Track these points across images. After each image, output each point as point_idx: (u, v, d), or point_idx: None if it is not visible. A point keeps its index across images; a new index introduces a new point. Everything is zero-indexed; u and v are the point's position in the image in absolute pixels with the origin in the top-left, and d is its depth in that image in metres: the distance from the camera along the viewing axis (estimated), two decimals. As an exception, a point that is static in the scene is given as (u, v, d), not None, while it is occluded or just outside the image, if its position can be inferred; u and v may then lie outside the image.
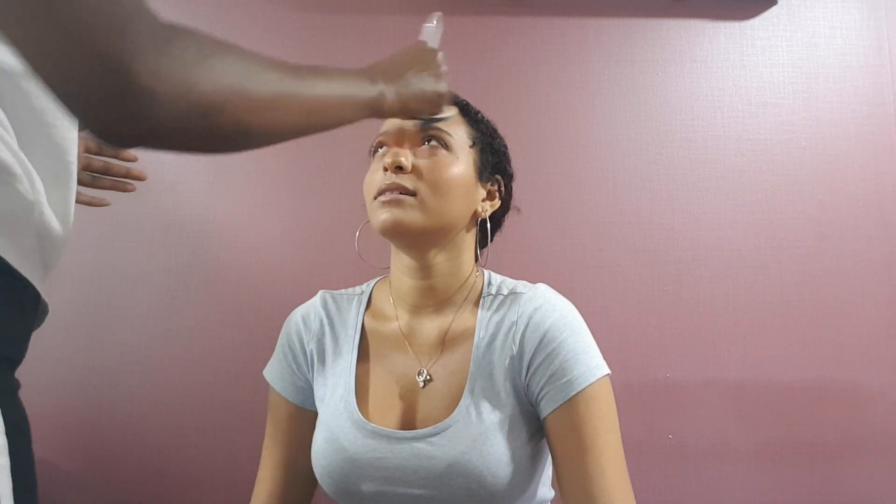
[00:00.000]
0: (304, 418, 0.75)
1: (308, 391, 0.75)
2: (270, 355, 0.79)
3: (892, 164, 1.26)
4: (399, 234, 0.67)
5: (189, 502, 1.16)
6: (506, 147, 0.79)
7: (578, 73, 1.27)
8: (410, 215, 0.66)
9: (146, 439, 1.17)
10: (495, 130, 0.78)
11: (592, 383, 0.64)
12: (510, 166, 0.79)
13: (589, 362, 0.65)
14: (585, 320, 0.71)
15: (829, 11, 1.30)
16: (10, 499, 0.44)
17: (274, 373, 0.77)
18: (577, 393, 0.63)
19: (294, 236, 1.22)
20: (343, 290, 0.80)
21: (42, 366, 1.14)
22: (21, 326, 0.52)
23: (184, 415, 1.17)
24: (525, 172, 0.82)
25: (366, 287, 0.80)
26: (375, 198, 0.68)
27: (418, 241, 0.69)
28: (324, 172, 1.24)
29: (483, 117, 0.77)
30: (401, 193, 0.66)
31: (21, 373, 0.51)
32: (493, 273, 0.77)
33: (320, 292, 0.80)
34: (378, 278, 0.82)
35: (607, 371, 0.66)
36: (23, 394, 0.50)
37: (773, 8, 1.29)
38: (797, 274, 1.22)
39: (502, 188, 0.78)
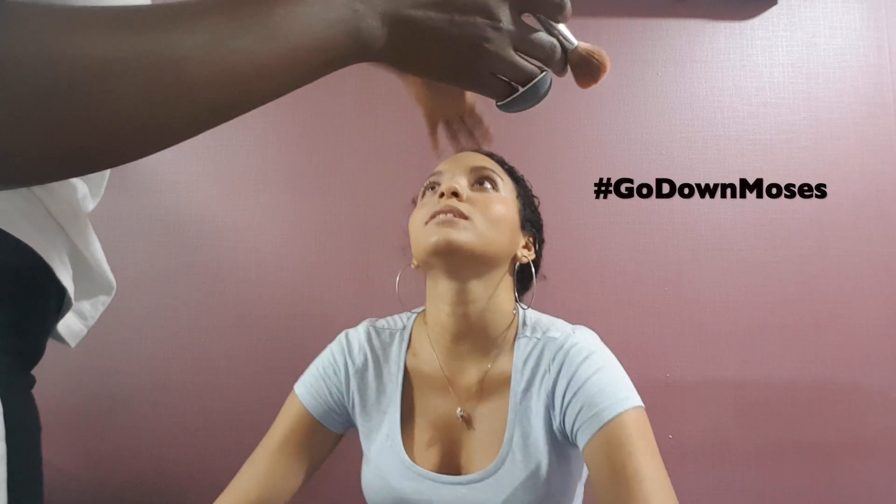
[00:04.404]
0: (323, 436, 0.75)
1: (338, 415, 0.76)
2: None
3: (892, 164, 1.26)
4: (450, 254, 0.66)
5: (189, 502, 1.16)
6: (538, 209, 0.81)
7: (578, 73, 1.27)
8: (463, 236, 0.66)
9: (146, 439, 1.17)
10: (531, 190, 0.80)
11: (621, 413, 0.63)
12: (542, 232, 0.81)
13: (617, 394, 0.65)
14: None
15: (829, 11, 1.30)
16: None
17: (306, 387, 0.77)
18: (606, 423, 0.63)
19: (294, 236, 1.22)
20: (385, 323, 0.80)
21: (42, 366, 1.12)
22: (37, 318, 0.48)
23: (184, 415, 1.17)
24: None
25: (407, 321, 0.80)
26: (427, 222, 0.68)
27: (464, 264, 0.68)
28: (325, 173, 1.24)
29: (521, 175, 0.80)
30: (455, 216, 0.67)
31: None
32: (528, 310, 0.77)
33: (365, 323, 0.80)
34: (417, 311, 0.81)
35: (638, 403, 0.65)
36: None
37: (773, 8, 1.29)
38: (797, 274, 1.22)
39: (537, 244, 0.79)
